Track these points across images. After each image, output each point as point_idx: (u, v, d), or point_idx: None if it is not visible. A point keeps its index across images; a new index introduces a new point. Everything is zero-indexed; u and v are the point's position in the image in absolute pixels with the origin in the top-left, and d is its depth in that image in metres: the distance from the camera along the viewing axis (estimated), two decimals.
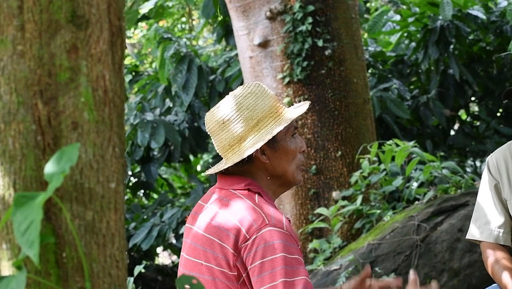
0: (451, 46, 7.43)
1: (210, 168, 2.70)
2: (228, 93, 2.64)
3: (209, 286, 2.46)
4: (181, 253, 2.64)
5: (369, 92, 5.99)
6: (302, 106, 2.64)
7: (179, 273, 2.62)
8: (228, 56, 8.02)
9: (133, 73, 8.99)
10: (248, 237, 2.41)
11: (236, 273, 2.44)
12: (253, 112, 2.54)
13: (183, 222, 7.18)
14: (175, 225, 7.37)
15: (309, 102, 2.69)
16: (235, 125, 2.54)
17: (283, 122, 2.55)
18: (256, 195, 2.51)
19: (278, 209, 2.54)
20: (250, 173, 2.57)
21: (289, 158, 2.60)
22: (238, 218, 2.45)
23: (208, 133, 2.61)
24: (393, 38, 7.88)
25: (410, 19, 7.52)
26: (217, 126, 2.56)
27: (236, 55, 7.44)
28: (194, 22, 11.86)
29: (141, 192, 8.77)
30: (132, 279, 3.40)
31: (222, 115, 2.55)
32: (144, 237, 7.41)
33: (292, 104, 3.37)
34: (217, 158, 7.92)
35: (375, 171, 5.42)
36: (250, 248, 2.40)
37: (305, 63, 5.62)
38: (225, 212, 2.50)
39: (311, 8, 5.62)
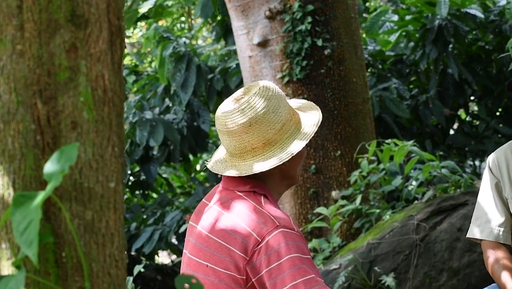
0: (450, 46, 7.42)
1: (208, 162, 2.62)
2: (227, 92, 2.59)
3: (213, 288, 2.43)
4: (184, 251, 2.60)
5: (369, 92, 5.99)
6: (314, 114, 2.58)
7: (181, 272, 2.59)
8: (228, 56, 8.02)
9: (133, 73, 8.99)
10: (260, 240, 2.37)
11: (245, 277, 2.40)
12: (278, 116, 2.49)
13: (183, 223, 7.18)
14: (175, 228, 7.38)
15: (316, 106, 2.62)
16: (261, 128, 2.47)
17: (305, 137, 2.51)
18: (262, 197, 2.48)
19: (283, 210, 2.52)
20: (261, 174, 2.51)
21: (301, 160, 2.59)
22: (247, 221, 2.42)
23: (224, 131, 2.49)
24: (392, 38, 7.88)
25: (408, 17, 7.51)
26: (241, 128, 2.46)
27: (236, 54, 7.44)
28: (193, 22, 11.85)
29: (139, 192, 8.76)
30: (131, 278, 3.40)
31: (249, 116, 2.46)
32: (145, 242, 7.43)
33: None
34: None
35: (374, 171, 5.42)
36: (264, 251, 2.37)
37: (304, 63, 5.61)
38: (231, 215, 2.46)
39: (310, 7, 5.62)
